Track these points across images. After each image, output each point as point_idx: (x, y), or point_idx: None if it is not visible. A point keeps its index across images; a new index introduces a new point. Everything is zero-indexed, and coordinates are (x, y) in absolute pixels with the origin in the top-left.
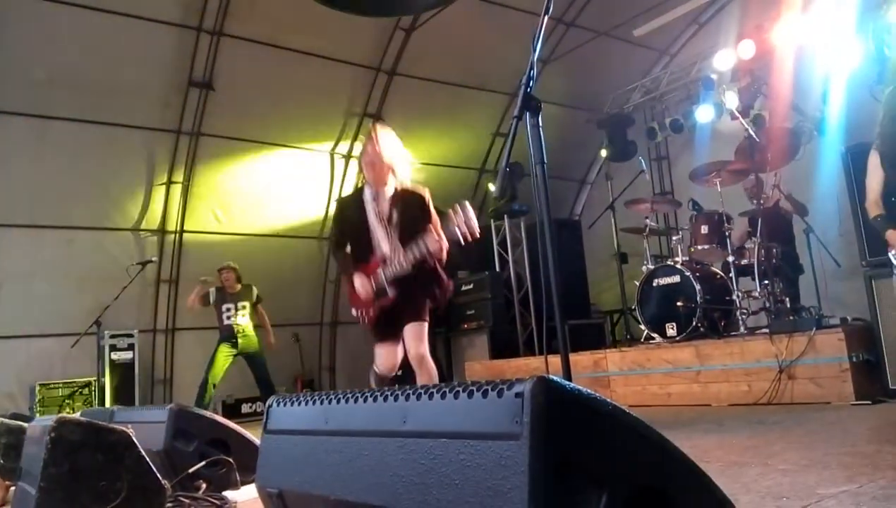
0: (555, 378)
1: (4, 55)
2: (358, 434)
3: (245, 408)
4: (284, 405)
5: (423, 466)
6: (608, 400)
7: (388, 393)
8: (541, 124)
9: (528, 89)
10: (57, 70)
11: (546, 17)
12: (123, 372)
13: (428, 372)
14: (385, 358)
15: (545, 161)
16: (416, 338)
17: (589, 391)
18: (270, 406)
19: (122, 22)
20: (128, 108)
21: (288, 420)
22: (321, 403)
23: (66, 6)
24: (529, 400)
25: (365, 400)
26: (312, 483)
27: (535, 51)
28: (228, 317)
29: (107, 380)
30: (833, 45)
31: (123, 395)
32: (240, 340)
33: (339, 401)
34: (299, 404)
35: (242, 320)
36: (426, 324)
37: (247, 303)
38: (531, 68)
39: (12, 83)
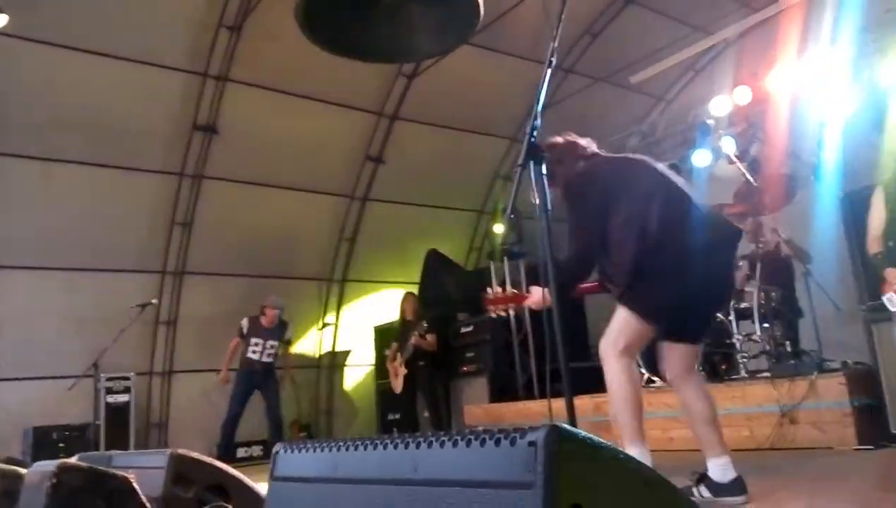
0: (567, 426)
1: (10, 98)
2: (368, 482)
3: (241, 452)
4: (292, 451)
5: None
6: (619, 447)
7: (399, 441)
8: (545, 172)
9: (533, 138)
10: (62, 113)
11: (550, 69)
12: (119, 415)
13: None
14: None
15: (550, 207)
16: None
17: (600, 439)
18: (277, 452)
19: (128, 67)
20: (132, 152)
21: (296, 466)
22: (330, 450)
23: (74, 51)
24: (543, 448)
25: (375, 448)
26: None
27: (538, 101)
28: (254, 352)
29: (101, 424)
30: (828, 91)
31: (118, 439)
32: (257, 376)
33: (348, 448)
34: (307, 451)
35: (267, 359)
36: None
37: (275, 344)
38: (535, 118)
39: (17, 126)
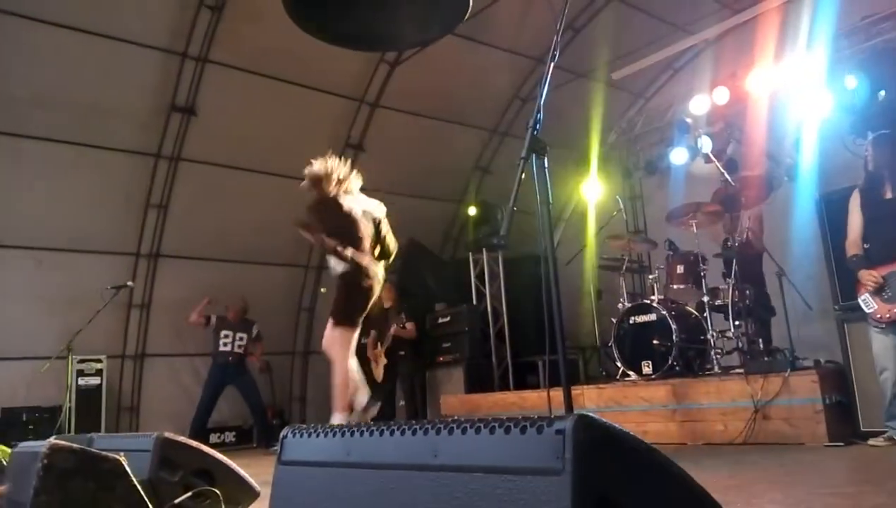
0: (593, 416)
1: None
2: (384, 467)
3: (214, 438)
4: (300, 436)
5: (458, 500)
6: (641, 438)
7: (417, 427)
8: (546, 165)
9: (535, 132)
10: (36, 89)
11: (553, 63)
12: (90, 398)
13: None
14: None
15: (551, 201)
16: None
17: (624, 429)
18: (285, 436)
19: (105, 44)
20: (107, 131)
21: (304, 451)
22: (342, 435)
23: (48, 25)
24: (571, 436)
25: (392, 433)
26: None
27: (541, 95)
28: (225, 345)
29: (72, 406)
30: (805, 94)
31: (88, 422)
32: (230, 370)
33: (362, 434)
34: (317, 435)
35: (238, 350)
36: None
37: (245, 336)
38: (538, 111)
39: None
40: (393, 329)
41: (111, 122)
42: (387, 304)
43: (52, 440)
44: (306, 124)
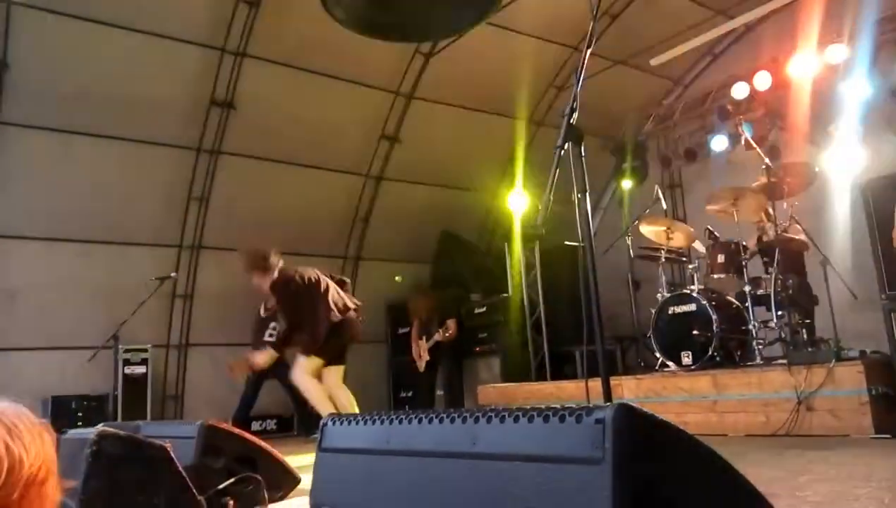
0: (633, 405)
1: (29, 70)
2: (423, 454)
3: (255, 426)
4: (341, 423)
5: (497, 488)
6: (682, 427)
7: (456, 415)
8: (583, 154)
9: (571, 120)
10: (81, 86)
11: (588, 51)
12: (136, 386)
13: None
14: None
15: (588, 190)
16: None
17: (664, 418)
18: (326, 424)
19: (145, 40)
20: (149, 126)
21: (345, 438)
22: (381, 423)
23: (94, 23)
24: (611, 426)
25: (430, 421)
26: (372, 503)
27: (577, 83)
28: (271, 335)
29: (119, 395)
30: (848, 79)
31: (135, 410)
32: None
33: (401, 422)
34: (357, 423)
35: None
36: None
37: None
38: (574, 99)
39: (36, 98)
40: (437, 336)
41: (153, 117)
42: (423, 315)
43: (101, 427)
44: (343, 117)
